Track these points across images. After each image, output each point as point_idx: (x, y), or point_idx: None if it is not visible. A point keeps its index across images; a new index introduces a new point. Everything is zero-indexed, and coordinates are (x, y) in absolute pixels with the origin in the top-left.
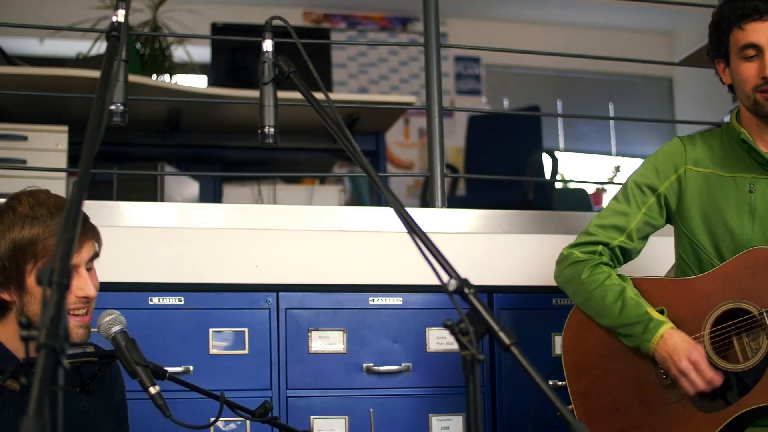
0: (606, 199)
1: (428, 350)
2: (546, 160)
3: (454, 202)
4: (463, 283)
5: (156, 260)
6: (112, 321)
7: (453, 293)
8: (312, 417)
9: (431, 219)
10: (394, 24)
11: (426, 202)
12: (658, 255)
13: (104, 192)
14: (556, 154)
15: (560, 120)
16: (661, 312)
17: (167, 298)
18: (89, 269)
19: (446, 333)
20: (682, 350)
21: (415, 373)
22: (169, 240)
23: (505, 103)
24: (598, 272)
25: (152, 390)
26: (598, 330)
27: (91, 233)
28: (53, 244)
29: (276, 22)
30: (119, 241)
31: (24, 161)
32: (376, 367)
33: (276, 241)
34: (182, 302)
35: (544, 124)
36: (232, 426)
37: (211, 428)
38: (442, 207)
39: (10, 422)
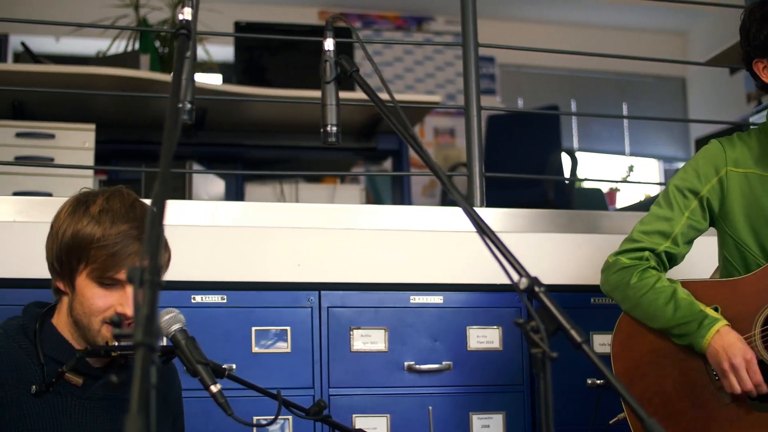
0: (620, 199)
1: (469, 349)
2: (565, 159)
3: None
4: (534, 281)
5: (199, 259)
6: (172, 319)
7: (523, 292)
8: (354, 415)
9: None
10: (410, 23)
11: (446, 201)
12: (702, 258)
13: (133, 190)
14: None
15: (574, 120)
16: (715, 310)
17: (210, 296)
18: None
19: (487, 331)
20: (738, 347)
21: (456, 372)
22: (212, 239)
23: (520, 103)
24: (647, 276)
25: (213, 388)
26: (648, 336)
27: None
28: (105, 253)
29: (336, 24)
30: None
31: (51, 159)
32: (417, 366)
33: (318, 240)
34: (225, 301)
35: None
36: (275, 426)
37: (254, 427)
38: (481, 206)
39: (71, 412)
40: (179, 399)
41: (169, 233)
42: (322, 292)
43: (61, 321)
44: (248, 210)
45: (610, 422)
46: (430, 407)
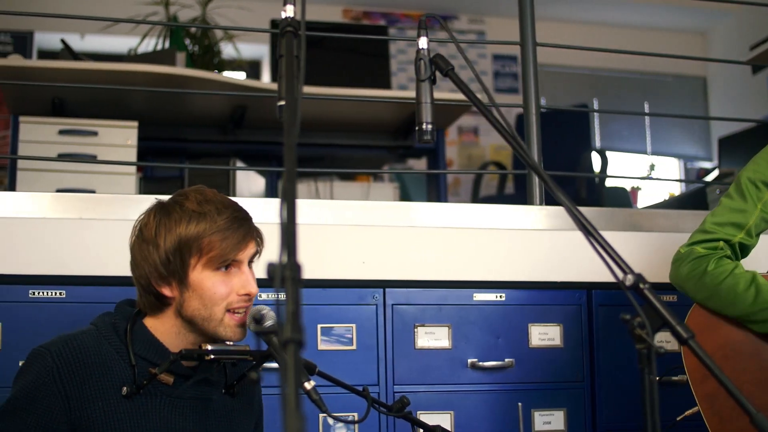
0: (642, 198)
1: (530, 346)
2: (595, 158)
3: (503, 199)
4: (639, 278)
5: (263, 257)
6: (266, 315)
7: (629, 288)
8: (418, 411)
9: (530, 216)
10: (433, 22)
11: (477, 199)
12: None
13: (175, 188)
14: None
15: (596, 118)
16: None
17: (274, 294)
18: (250, 266)
19: (548, 329)
20: None
21: (518, 369)
22: (272, 236)
23: (542, 101)
24: (724, 263)
25: (307, 385)
26: (723, 329)
27: (256, 232)
28: (219, 240)
29: (428, 22)
30: None
31: (94, 156)
32: (480, 363)
33: (382, 238)
34: None
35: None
36: (340, 424)
37: (320, 424)
38: (540, 204)
39: (160, 413)
40: (261, 403)
41: None
42: (387, 289)
43: (160, 325)
44: (311, 207)
45: (678, 418)
46: (520, 404)
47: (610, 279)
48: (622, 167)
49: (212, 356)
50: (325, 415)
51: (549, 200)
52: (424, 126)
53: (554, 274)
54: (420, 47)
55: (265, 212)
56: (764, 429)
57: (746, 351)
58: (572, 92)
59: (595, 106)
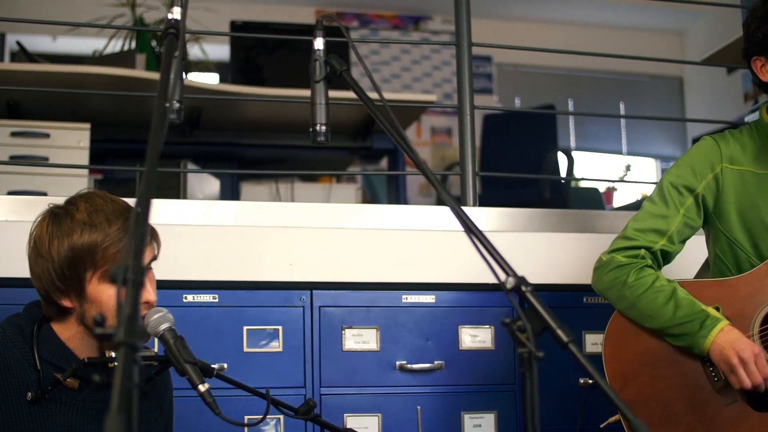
0: (617, 199)
1: (461, 348)
2: (561, 159)
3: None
4: (521, 280)
5: (190, 258)
6: (161, 318)
7: (510, 291)
8: (345, 414)
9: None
10: (406, 23)
11: (442, 200)
12: (690, 254)
13: (128, 189)
14: (572, 153)
15: (571, 119)
16: (717, 309)
17: (202, 296)
18: (147, 270)
19: (478, 331)
20: (746, 342)
21: (448, 371)
22: (204, 238)
23: (517, 102)
24: (644, 275)
25: (201, 388)
26: (642, 336)
27: (151, 236)
28: (113, 251)
29: (326, 23)
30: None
31: (46, 158)
32: (408, 365)
33: (310, 239)
34: (216, 300)
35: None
36: (269, 427)
37: (245, 426)
38: (474, 206)
39: (65, 417)
40: (171, 404)
41: (161, 232)
42: (314, 291)
43: (65, 330)
44: (240, 209)
45: (602, 425)
46: (419, 407)
47: (543, 281)
48: (597, 168)
49: (116, 363)
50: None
51: (482, 201)
52: (318, 127)
53: (485, 276)
54: (315, 48)
55: (209, 215)
56: None
57: (665, 358)
58: (548, 92)
59: (570, 106)
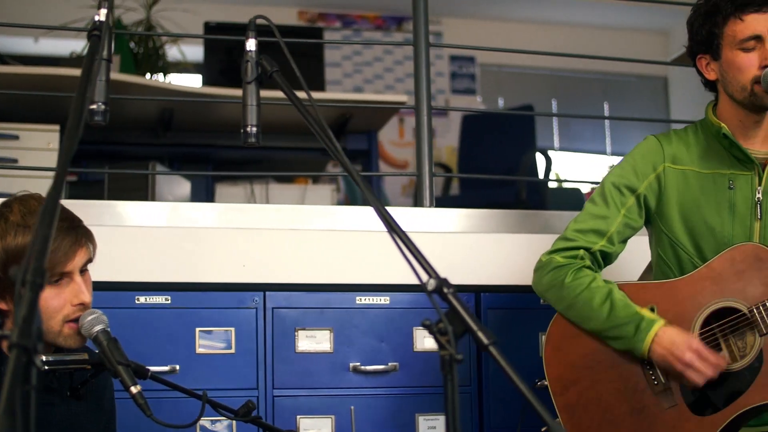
0: None
1: (415, 350)
2: (539, 159)
3: (447, 201)
4: (443, 282)
5: (143, 259)
6: (95, 320)
7: (432, 293)
8: (298, 416)
9: (420, 218)
10: (389, 23)
11: (418, 201)
12: (634, 255)
13: (97, 191)
14: (550, 153)
15: (555, 119)
16: (652, 310)
17: (154, 297)
18: (83, 272)
19: None
20: (682, 342)
21: (402, 373)
22: (156, 239)
23: (500, 103)
24: (582, 275)
25: (133, 389)
26: (583, 340)
27: (85, 238)
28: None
29: (260, 21)
30: (105, 240)
31: (15, 160)
32: (362, 367)
33: (263, 241)
34: (169, 302)
35: (539, 124)
36: (220, 426)
37: (197, 427)
38: (430, 206)
39: None
40: (113, 406)
41: (113, 233)
42: (267, 292)
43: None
44: (194, 211)
45: (543, 430)
46: (352, 407)
47: (500, 282)
48: (581, 168)
49: (47, 367)
50: (203, 418)
51: (461, 202)
52: (249, 129)
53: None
54: (247, 49)
55: (163, 216)
56: None
57: (606, 361)
58: (531, 93)
59: (554, 106)
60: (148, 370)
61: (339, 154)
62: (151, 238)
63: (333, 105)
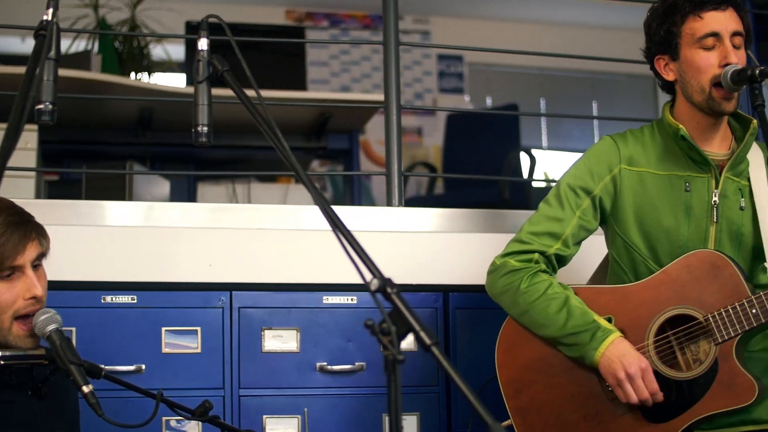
0: None
1: (383, 349)
2: (524, 158)
3: (431, 200)
4: (386, 282)
5: (109, 259)
6: (48, 320)
7: (375, 292)
8: (264, 416)
9: (389, 218)
10: (377, 22)
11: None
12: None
13: (76, 191)
14: (538, 152)
15: (543, 118)
16: (609, 320)
17: (120, 297)
18: (36, 267)
19: None
20: (634, 356)
21: (369, 373)
22: (123, 239)
23: (488, 101)
24: (537, 281)
25: (85, 389)
26: (535, 343)
27: (36, 232)
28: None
29: (211, 20)
30: (71, 240)
31: None
32: (329, 366)
33: (230, 240)
34: (135, 301)
35: (527, 123)
36: (187, 425)
37: (162, 427)
38: (399, 206)
39: None
40: (76, 403)
41: (80, 233)
42: (234, 292)
43: None
44: (160, 210)
45: (503, 424)
46: (306, 409)
47: (468, 281)
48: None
49: (2, 362)
50: (168, 418)
51: (444, 202)
52: (200, 128)
53: (410, 277)
54: (199, 48)
55: (129, 216)
56: None
57: (559, 365)
58: (520, 92)
59: (542, 105)
60: (102, 369)
61: (287, 153)
62: (117, 237)
63: (304, 105)
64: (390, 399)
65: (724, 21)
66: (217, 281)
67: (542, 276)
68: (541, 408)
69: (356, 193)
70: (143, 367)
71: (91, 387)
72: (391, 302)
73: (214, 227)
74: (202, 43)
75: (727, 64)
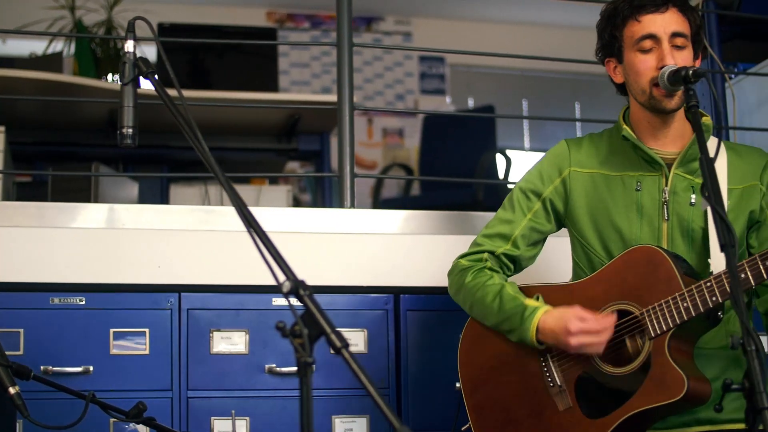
0: None
1: (332, 351)
2: (500, 160)
3: (408, 202)
4: (299, 284)
5: (58, 260)
6: None
7: (288, 294)
8: (212, 418)
9: (339, 219)
10: (358, 23)
11: (377, 203)
12: (561, 259)
13: (41, 192)
14: (517, 154)
15: (525, 121)
16: (537, 299)
17: (69, 298)
18: None
19: (351, 334)
20: (565, 318)
21: (319, 375)
22: (71, 240)
23: (470, 103)
24: (480, 275)
25: (12, 390)
26: (491, 342)
27: None
28: None
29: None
30: (20, 241)
31: None
32: (278, 368)
33: (178, 242)
34: (83, 302)
35: (509, 124)
36: (142, 426)
37: (110, 427)
38: (351, 207)
39: None
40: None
41: (30, 234)
42: (182, 293)
43: None
44: (109, 212)
45: (463, 428)
46: (233, 411)
47: (420, 283)
48: None
49: None
50: (115, 420)
51: (420, 203)
52: (125, 130)
53: (361, 278)
54: (125, 50)
55: (77, 217)
56: None
57: (509, 362)
58: (501, 93)
59: (524, 106)
60: (31, 370)
61: (206, 154)
62: (66, 238)
63: (262, 107)
64: (302, 401)
65: (662, 23)
66: (166, 283)
67: (486, 272)
68: (493, 405)
69: (327, 194)
70: (91, 368)
71: (17, 388)
72: (303, 304)
73: (163, 229)
74: (129, 45)
75: (663, 66)
